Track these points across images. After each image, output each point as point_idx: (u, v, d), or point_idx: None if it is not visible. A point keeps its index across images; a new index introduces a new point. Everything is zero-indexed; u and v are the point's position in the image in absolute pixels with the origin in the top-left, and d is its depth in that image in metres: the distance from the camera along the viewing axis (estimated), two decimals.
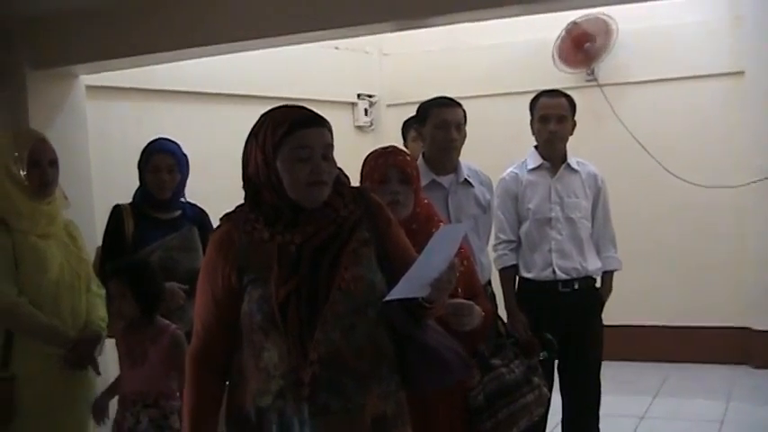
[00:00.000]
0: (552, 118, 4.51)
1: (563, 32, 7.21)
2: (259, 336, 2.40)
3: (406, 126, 5.85)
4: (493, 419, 3.06)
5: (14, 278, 3.56)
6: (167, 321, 3.71)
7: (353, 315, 2.41)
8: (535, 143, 4.66)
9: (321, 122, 2.48)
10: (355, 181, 2.97)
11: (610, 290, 4.72)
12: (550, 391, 4.10)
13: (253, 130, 2.50)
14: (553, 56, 7.26)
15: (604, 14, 7.11)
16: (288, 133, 2.41)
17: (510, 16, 4.89)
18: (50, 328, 3.60)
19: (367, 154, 3.27)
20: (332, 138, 2.50)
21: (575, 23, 7.17)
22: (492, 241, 4.61)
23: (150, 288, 3.67)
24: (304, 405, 2.36)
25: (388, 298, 2.38)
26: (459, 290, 3.09)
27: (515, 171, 4.65)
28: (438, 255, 2.41)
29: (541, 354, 3.39)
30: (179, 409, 3.60)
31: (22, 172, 3.61)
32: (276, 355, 2.38)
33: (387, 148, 3.28)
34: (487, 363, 3.14)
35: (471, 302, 2.96)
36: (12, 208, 3.61)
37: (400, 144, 5.74)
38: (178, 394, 3.64)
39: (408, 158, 3.24)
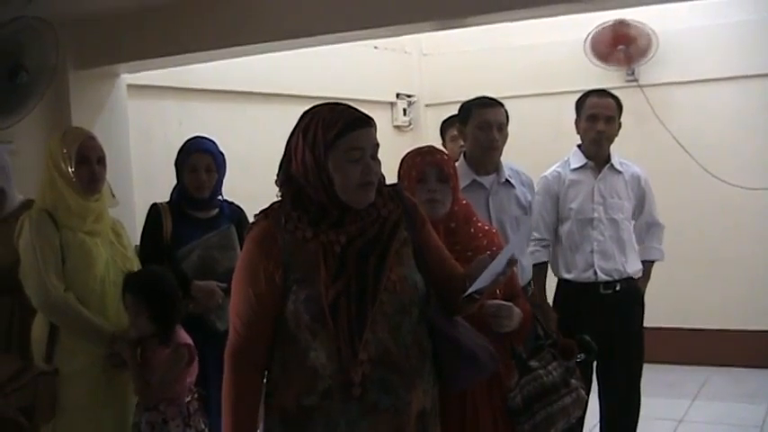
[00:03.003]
0: (601, 118, 4.49)
1: (607, 25, 7.10)
2: (305, 335, 2.41)
3: (445, 126, 5.85)
4: (531, 421, 3.05)
5: (61, 274, 3.59)
6: (181, 333, 3.66)
7: (400, 315, 2.44)
8: (578, 143, 4.64)
9: (370, 123, 2.48)
10: (392, 180, 2.98)
11: (647, 279, 4.72)
12: (588, 392, 4.09)
13: (300, 128, 2.49)
14: (585, 46, 7.19)
15: (642, 22, 7.04)
16: (340, 134, 2.41)
17: (551, 15, 4.86)
18: (96, 327, 3.61)
19: (404, 154, 3.27)
20: (377, 137, 2.51)
21: (620, 22, 7.07)
22: None
23: (168, 306, 3.62)
24: (353, 404, 2.38)
25: (471, 290, 2.46)
26: (498, 291, 3.09)
27: (558, 170, 4.64)
28: (512, 249, 2.52)
29: (579, 356, 3.37)
30: (185, 415, 3.61)
31: (70, 169, 3.64)
32: (324, 354, 2.39)
33: (423, 147, 3.29)
34: (526, 364, 3.14)
35: (511, 304, 2.96)
36: (61, 204, 3.65)
37: (438, 144, 5.74)
38: (187, 399, 3.65)
39: (446, 157, 3.24)
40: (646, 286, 4.71)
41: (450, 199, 3.15)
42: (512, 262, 2.47)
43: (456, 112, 4.44)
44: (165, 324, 3.61)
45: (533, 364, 3.16)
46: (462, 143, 4.51)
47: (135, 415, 3.64)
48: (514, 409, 3.06)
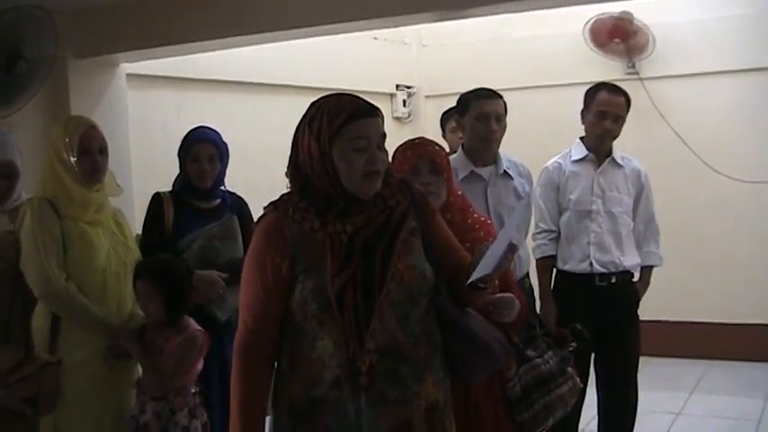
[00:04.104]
0: (609, 116, 4.46)
1: (606, 15, 7.08)
2: (312, 325, 2.41)
3: (445, 117, 5.85)
4: (530, 410, 3.06)
5: (62, 264, 3.59)
6: (191, 321, 3.67)
7: (407, 304, 2.43)
8: (579, 135, 4.62)
9: (375, 112, 2.48)
10: None
11: (647, 285, 4.69)
12: (585, 384, 4.09)
13: (305, 118, 2.48)
14: (584, 32, 7.17)
15: (643, 22, 7.04)
16: (345, 123, 2.41)
17: (550, 7, 4.86)
18: (97, 318, 3.61)
19: (395, 147, 3.27)
20: (383, 127, 2.50)
21: (621, 17, 7.05)
22: (532, 230, 4.59)
23: (180, 292, 3.63)
24: (361, 394, 2.38)
25: (472, 279, 2.43)
26: (496, 281, 3.09)
27: (559, 161, 4.62)
28: (509, 232, 2.47)
29: (572, 344, 3.37)
30: (192, 405, 3.61)
31: (72, 158, 3.63)
32: (331, 344, 2.39)
33: (414, 139, 3.28)
34: (523, 354, 3.15)
35: (511, 295, 2.96)
36: (63, 193, 3.64)
37: (438, 135, 5.75)
38: (193, 391, 3.65)
39: (437, 148, 3.23)
40: (645, 291, 4.69)
41: (444, 190, 3.14)
42: (512, 247, 2.45)
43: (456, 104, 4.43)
44: (176, 310, 3.63)
45: (530, 353, 3.17)
46: (461, 135, 4.51)
47: (134, 407, 3.62)
48: (514, 399, 3.07)
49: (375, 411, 2.38)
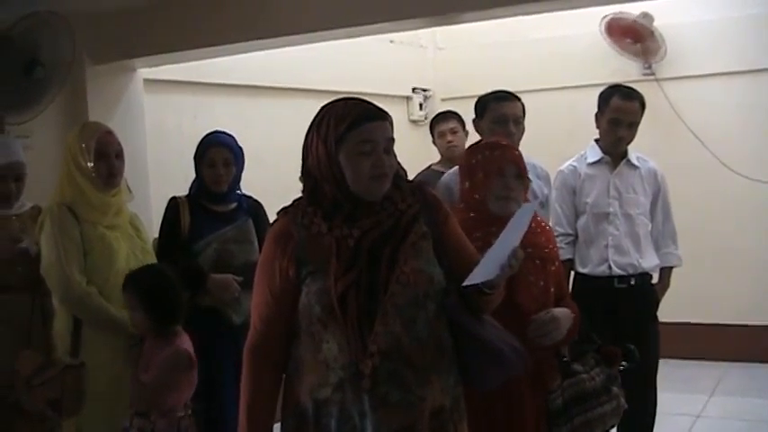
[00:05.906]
0: (623, 124, 4.42)
1: (621, 15, 7.07)
2: (318, 328, 2.41)
3: (434, 122, 5.88)
4: (569, 425, 3.05)
5: (83, 268, 3.61)
6: (185, 338, 3.49)
7: (413, 308, 2.42)
8: (595, 137, 4.59)
9: (383, 116, 2.47)
10: (411, 175, 2.97)
11: (666, 286, 4.66)
12: None
13: (314, 122, 2.49)
14: (600, 27, 7.13)
15: (656, 27, 7.04)
16: (351, 127, 2.41)
17: (563, 9, 4.84)
18: (119, 321, 3.62)
19: (474, 143, 3.27)
20: (392, 131, 2.50)
21: (635, 19, 7.04)
22: None
23: (163, 302, 3.45)
24: (364, 397, 2.37)
25: (466, 283, 2.41)
26: (552, 289, 3.09)
27: (574, 164, 4.59)
28: (511, 236, 2.45)
29: (622, 364, 3.34)
30: (176, 430, 3.43)
31: (89, 164, 3.66)
32: (335, 347, 2.39)
33: (500, 141, 3.29)
34: (569, 367, 3.13)
35: (554, 315, 2.94)
36: (81, 199, 3.67)
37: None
38: (180, 415, 3.45)
39: (520, 153, 3.23)
40: (664, 293, 4.66)
41: (523, 196, 3.15)
42: (516, 253, 2.44)
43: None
44: (161, 320, 3.46)
45: (577, 367, 3.15)
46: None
47: (125, 418, 3.48)
48: (555, 411, 3.06)
49: (378, 414, 2.37)
